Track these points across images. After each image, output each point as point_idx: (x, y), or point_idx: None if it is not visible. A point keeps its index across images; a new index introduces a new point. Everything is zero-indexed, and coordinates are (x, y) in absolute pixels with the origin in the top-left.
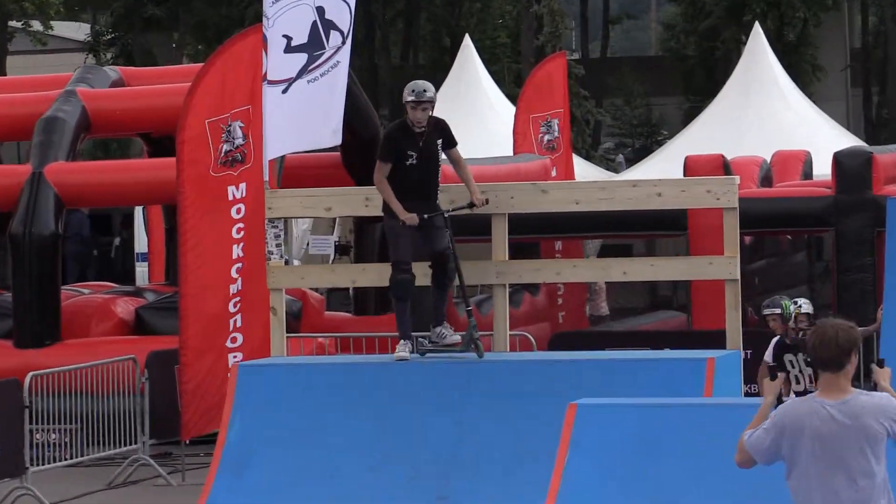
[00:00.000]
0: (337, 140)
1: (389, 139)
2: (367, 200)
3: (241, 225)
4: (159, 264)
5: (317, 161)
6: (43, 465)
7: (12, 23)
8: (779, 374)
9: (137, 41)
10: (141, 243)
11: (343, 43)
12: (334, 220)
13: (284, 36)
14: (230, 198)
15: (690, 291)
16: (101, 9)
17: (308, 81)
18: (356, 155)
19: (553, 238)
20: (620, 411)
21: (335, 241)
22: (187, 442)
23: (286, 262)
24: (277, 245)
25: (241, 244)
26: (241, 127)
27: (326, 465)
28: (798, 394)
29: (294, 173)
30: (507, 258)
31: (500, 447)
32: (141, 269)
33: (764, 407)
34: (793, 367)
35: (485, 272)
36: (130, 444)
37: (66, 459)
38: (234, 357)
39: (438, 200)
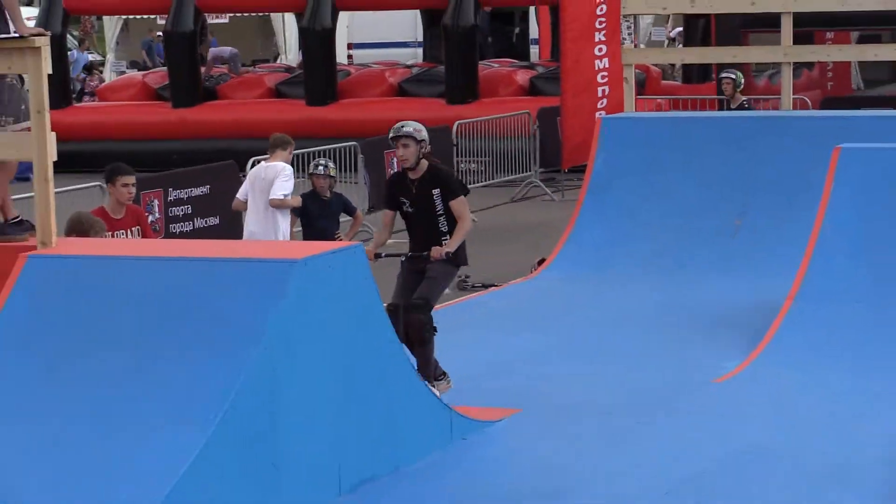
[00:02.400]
0: None
1: (387, 185)
2: (692, 3)
3: (602, 20)
4: (546, 46)
5: None
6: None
7: None
8: None
9: None
10: (534, 31)
11: None
12: (668, 16)
13: None
14: (596, 0)
15: None
16: None
17: None
18: None
19: (825, 30)
20: (878, 153)
21: (668, 31)
22: (566, 170)
23: (634, 46)
24: (629, 34)
25: (603, 33)
26: None
27: (663, 186)
28: None
29: None
30: (791, 43)
31: (786, 176)
32: (533, 50)
33: None
34: None
35: (775, 53)
36: (526, 172)
37: (482, 182)
38: (600, 113)
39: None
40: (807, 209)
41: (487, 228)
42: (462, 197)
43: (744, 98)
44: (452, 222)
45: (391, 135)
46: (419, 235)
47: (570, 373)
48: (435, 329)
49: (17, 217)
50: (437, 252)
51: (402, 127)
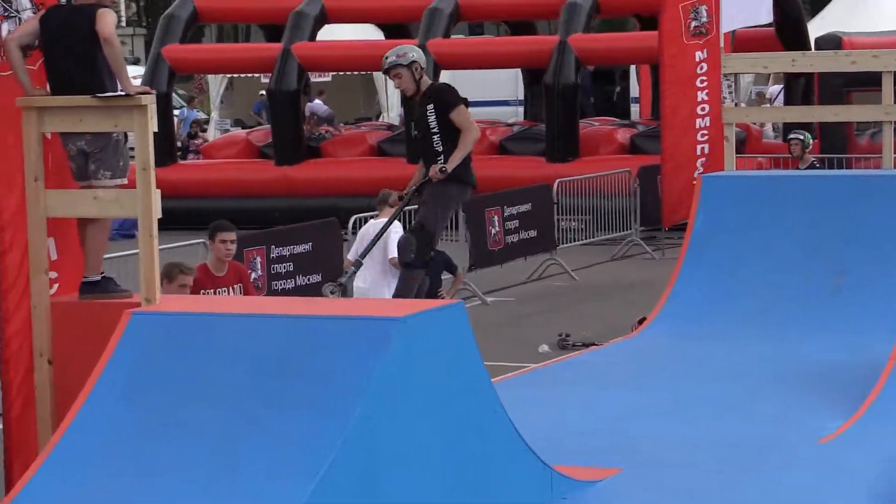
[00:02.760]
0: (769, 18)
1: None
2: (793, 62)
3: (703, 79)
4: (647, 105)
5: (757, 34)
6: (566, 243)
7: None
8: None
9: None
10: (635, 90)
11: None
12: (769, 75)
13: None
14: (696, 59)
15: None
16: None
17: None
18: (786, 29)
19: None
20: None
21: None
22: (666, 228)
23: (735, 105)
24: (729, 93)
25: (705, 91)
26: (706, 9)
27: (762, 244)
28: None
29: (742, 43)
30: (893, 102)
31: (882, 234)
32: (634, 108)
33: None
34: None
35: (876, 112)
36: (626, 230)
37: (581, 240)
38: (698, 171)
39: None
40: None
41: (587, 287)
42: (460, 106)
43: (813, 158)
44: (454, 140)
45: (382, 69)
46: (424, 160)
47: (672, 430)
48: (426, 261)
49: (102, 273)
50: (433, 172)
51: (387, 58)
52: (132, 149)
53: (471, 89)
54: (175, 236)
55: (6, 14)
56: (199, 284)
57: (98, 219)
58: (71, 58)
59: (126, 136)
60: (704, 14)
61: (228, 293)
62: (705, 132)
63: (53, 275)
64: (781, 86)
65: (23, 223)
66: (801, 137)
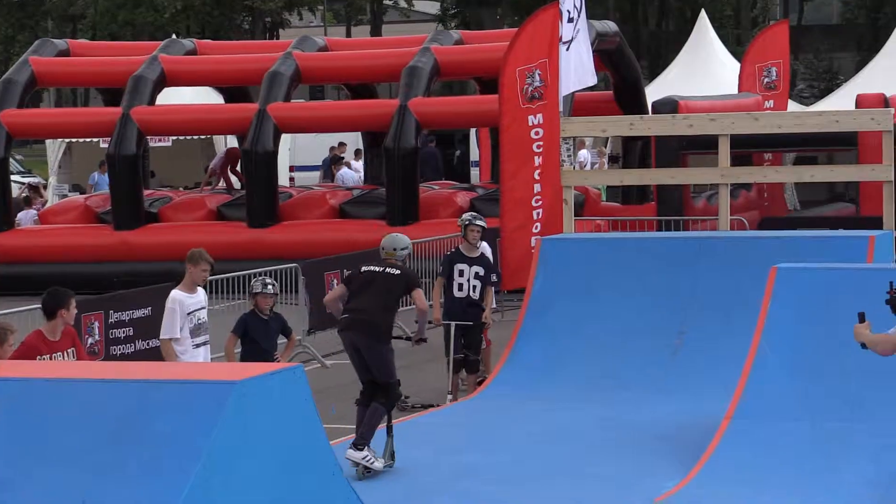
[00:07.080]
0: (594, 81)
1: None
2: (631, 125)
3: (539, 142)
4: (486, 169)
5: (596, 98)
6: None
7: (386, 1)
8: None
9: (473, 14)
10: (474, 154)
11: (579, 15)
12: (607, 138)
13: (566, 10)
14: (530, 123)
15: (859, 189)
16: None
17: (574, 42)
18: (624, 93)
19: (762, 151)
20: (813, 273)
21: (608, 153)
22: (506, 291)
23: (574, 168)
24: (568, 156)
25: (540, 156)
26: (539, 74)
27: (602, 307)
28: None
29: (580, 106)
30: (728, 165)
31: (723, 296)
32: (474, 172)
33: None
34: None
35: (713, 175)
36: None
37: None
38: (535, 234)
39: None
40: (744, 328)
41: (427, 348)
42: None
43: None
44: None
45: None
46: None
47: (511, 491)
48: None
49: None
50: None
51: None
52: None
53: (311, 153)
54: (12, 302)
55: (528, 83)
56: (35, 350)
57: None
58: None
59: None
60: (538, 79)
61: (63, 358)
62: (539, 197)
63: None
64: (592, 150)
65: None
66: (484, 225)
